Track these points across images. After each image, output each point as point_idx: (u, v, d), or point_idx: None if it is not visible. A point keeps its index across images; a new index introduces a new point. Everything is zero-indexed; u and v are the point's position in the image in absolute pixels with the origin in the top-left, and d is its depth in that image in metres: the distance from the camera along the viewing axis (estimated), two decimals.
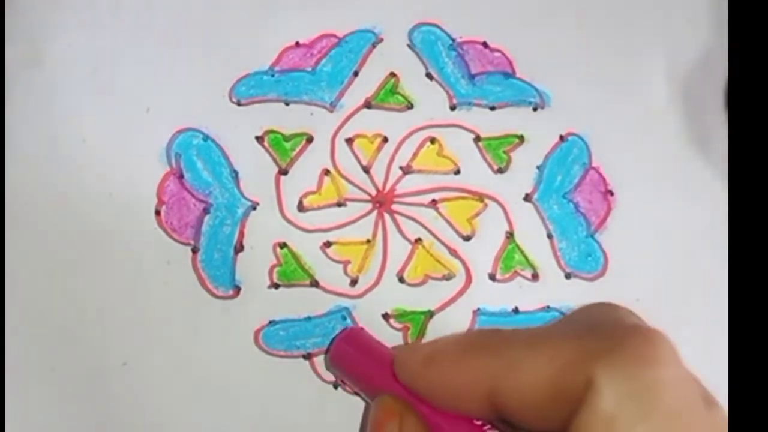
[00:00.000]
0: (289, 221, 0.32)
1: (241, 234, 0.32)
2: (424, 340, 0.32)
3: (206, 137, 0.32)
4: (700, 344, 0.33)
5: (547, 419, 0.21)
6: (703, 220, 0.33)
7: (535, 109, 0.34)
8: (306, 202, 0.32)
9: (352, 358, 0.28)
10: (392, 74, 0.34)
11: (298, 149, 0.33)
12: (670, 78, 0.34)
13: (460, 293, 0.32)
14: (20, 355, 0.31)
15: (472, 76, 0.34)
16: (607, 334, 0.21)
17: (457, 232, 0.33)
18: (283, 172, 0.33)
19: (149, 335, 0.31)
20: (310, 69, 0.33)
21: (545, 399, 0.21)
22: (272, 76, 0.33)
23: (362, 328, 0.31)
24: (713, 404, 0.22)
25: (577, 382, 0.20)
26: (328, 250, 0.32)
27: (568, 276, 0.33)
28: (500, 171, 0.33)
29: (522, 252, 0.33)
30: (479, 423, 0.24)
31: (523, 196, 0.33)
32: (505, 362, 0.22)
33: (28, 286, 0.31)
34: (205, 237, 0.32)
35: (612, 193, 0.34)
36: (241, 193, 0.32)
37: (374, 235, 0.33)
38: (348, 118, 0.33)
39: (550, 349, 0.22)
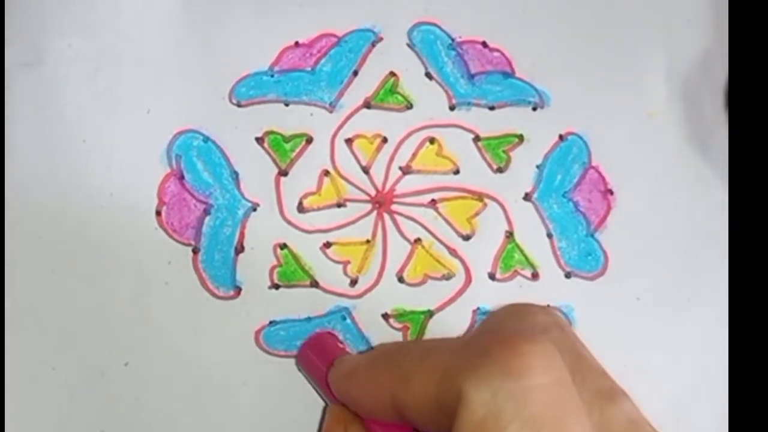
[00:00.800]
0: (289, 222, 0.32)
1: (242, 235, 0.32)
2: (424, 340, 0.32)
3: (206, 138, 0.32)
4: (700, 344, 0.33)
5: (437, 427, 0.22)
6: (703, 220, 0.33)
7: (534, 109, 0.34)
8: (306, 202, 0.33)
9: (311, 364, 0.30)
10: (392, 74, 0.34)
11: (297, 150, 0.33)
12: (670, 78, 0.34)
13: (460, 293, 0.32)
14: (20, 355, 0.31)
15: (471, 76, 0.34)
16: (477, 346, 0.22)
17: (456, 231, 0.33)
18: (283, 173, 0.33)
19: (150, 335, 0.31)
20: (309, 69, 0.33)
21: (431, 409, 0.22)
22: (272, 76, 0.33)
23: (330, 333, 0.32)
24: (612, 399, 0.23)
25: (452, 394, 0.21)
26: (328, 251, 0.32)
27: (567, 275, 0.33)
28: (500, 170, 0.33)
29: (522, 251, 0.33)
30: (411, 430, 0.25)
31: (522, 195, 0.33)
32: (400, 375, 0.24)
33: (28, 286, 0.31)
34: (205, 238, 0.32)
35: (612, 193, 0.34)
36: (242, 194, 0.32)
37: (374, 235, 0.33)
38: (347, 119, 0.33)
39: (432, 362, 0.23)
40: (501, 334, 0.22)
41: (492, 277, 0.33)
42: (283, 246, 0.32)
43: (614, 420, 0.25)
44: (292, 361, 0.31)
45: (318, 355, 0.30)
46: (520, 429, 0.20)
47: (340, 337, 0.32)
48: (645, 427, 0.25)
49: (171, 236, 0.32)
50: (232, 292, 0.32)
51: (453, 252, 0.33)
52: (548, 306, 0.32)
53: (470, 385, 0.21)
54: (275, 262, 0.32)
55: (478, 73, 0.34)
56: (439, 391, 0.22)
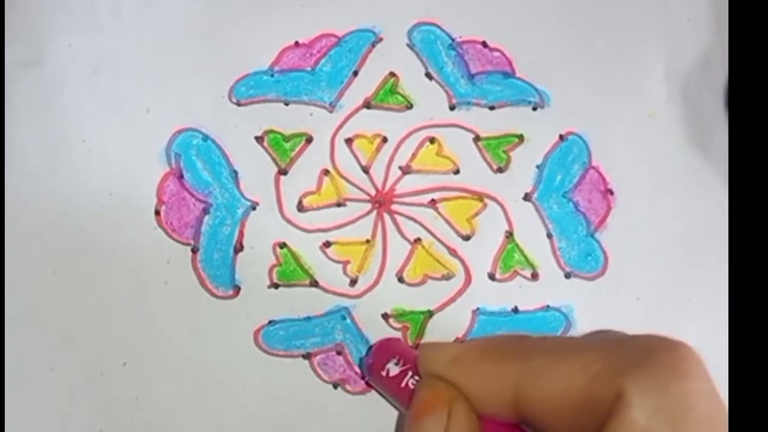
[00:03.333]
0: (288, 221, 0.32)
1: (241, 234, 0.32)
2: (424, 340, 0.32)
3: (206, 137, 0.32)
4: (700, 343, 0.33)
5: (573, 428, 0.21)
6: (703, 220, 0.33)
7: (534, 109, 0.34)
8: (305, 202, 0.32)
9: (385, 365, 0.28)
10: (392, 74, 0.34)
11: (297, 149, 0.33)
12: (670, 78, 0.34)
13: (460, 293, 0.32)
14: (20, 355, 0.31)
15: (471, 76, 0.34)
16: (637, 347, 0.22)
17: (456, 231, 0.33)
18: (283, 172, 0.33)
19: (149, 335, 0.31)
20: (309, 69, 0.33)
21: (573, 409, 0.21)
22: (272, 76, 0.33)
23: (398, 338, 0.31)
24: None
25: (608, 394, 0.20)
26: (327, 250, 0.32)
27: (567, 275, 0.33)
28: (500, 170, 0.33)
29: (521, 251, 0.33)
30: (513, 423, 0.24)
31: (522, 195, 0.33)
32: (531, 369, 0.23)
33: (28, 286, 0.31)
34: (204, 237, 0.32)
35: (612, 193, 0.34)
36: (241, 193, 0.32)
37: (374, 235, 0.33)
38: (347, 118, 0.33)
39: (580, 358, 0.22)
40: (657, 337, 0.22)
41: (492, 277, 0.33)
42: (283, 245, 0.32)
43: None
44: (292, 360, 0.31)
45: (392, 353, 0.28)
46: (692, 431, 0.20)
47: (341, 337, 0.32)
48: None
49: (170, 235, 0.32)
50: (231, 292, 0.32)
51: (453, 252, 0.33)
52: None
53: (632, 385, 0.20)
54: (275, 262, 0.32)
55: (479, 73, 0.34)
56: (588, 389, 0.21)
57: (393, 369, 0.28)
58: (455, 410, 0.24)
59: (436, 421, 0.24)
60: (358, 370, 0.32)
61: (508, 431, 0.24)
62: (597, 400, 0.21)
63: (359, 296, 0.32)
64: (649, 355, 0.21)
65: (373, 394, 0.31)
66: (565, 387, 0.22)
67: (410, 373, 0.27)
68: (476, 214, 0.33)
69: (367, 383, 0.31)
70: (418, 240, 0.33)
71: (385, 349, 0.29)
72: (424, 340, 0.32)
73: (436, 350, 0.26)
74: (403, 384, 0.27)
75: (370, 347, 0.31)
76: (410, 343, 0.32)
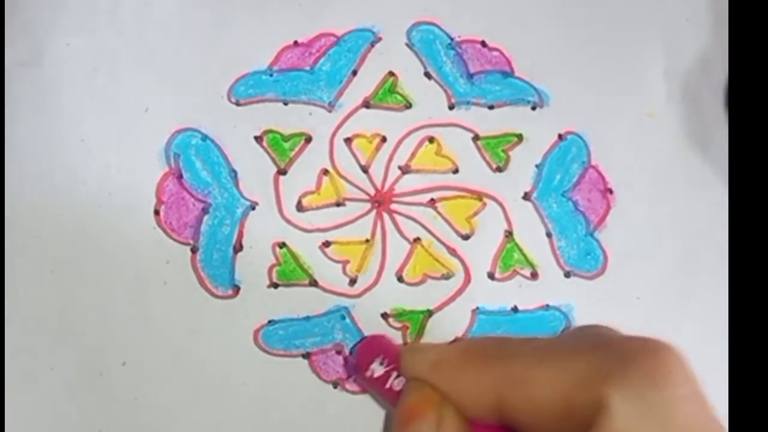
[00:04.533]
0: (288, 221, 0.32)
1: (240, 234, 0.32)
2: (423, 340, 0.32)
3: (205, 137, 0.32)
4: (700, 343, 0.33)
5: None
6: (703, 219, 0.33)
7: (533, 108, 0.34)
8: (305, 201, 0.32)
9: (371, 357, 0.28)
10: (391, 73, 0.34)
11: (296, 149, 0.33)
12: (669, 77, 0.34)
13: (459, 292, 0.32)
14: (20, 355, 0.31)
15: (470, 75, 0.34)
16: (618, 352, 0.21)
17: (455, 231, 0.33)
18: (282, 171, 0.33)
19: (148, 335, 0.31)
20: (308, 68, 0.33)
21: (555, 416, 0.21)
22: (271, 75, 0.33)
23: (383, 336, 0.31)
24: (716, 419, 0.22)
25: (589, 401, 0.20)
26: (327, 250, 0.32)
27: (567, 275, 0.33)
28: (499, 170, 0.33)
29: (521, 251, 0.33)
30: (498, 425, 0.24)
31: (522, 194, 0.33)
32: (512, 374, 0.22)
33: (28, 286, 0.31)
34: (204, 237, 0.32)
35: (611, 192, 0.33)
36: (240, 193, 0.32)
37: (373, 234, 0.33)
38: (347, 118, 0.33)
39: (560, 364, 0.21)
40: (638, 340, 0.22)
41: (491, 276, 0.33)
42: (282, 245, 0.32)
43: None
44: (291, 360, 0.31)
45: (377, 351, 0.28)
46: None
47: (340, 337, 0.32)
48: None
49: (169, 235, 0.32)
50: (230, 292, 0.32)
51: (452, 251, 0.33)
52: None
53: (614, 393, 0.20)
54: (274, 261, 0.32)
55: (478, 72, 0.34)
56: (570, 396, 0.21)
57: (377, 369, 0.27)
58: (445, 414, 0.24)
59: (426, 425, 0.24)
60: None
61: None
62: (579, 408, 0.20)
63: (359, 296, 0.32)
64: (631, 360, 0.21)
65: (372, 394, 0.31)
66: (546, 394, 0.21)
67: (395, 374, 0.27)
68: (475, 214, 0.33)
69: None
70: (417, 239, 0.33)
71: (369, 349, 0.28)
72: (423, 340, 0.32)
73: (417, 353, 0.25)
74: (387, 385, 0.27)
75: (354, 345, 0.31)
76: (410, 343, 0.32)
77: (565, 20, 0.35)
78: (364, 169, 0.33)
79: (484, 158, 0.33)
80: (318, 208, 0.33)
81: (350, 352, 0.31)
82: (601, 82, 0.34)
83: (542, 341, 0.24)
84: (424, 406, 0.24)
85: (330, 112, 0.33)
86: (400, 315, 0.32)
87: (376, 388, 0.27)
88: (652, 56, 0.34)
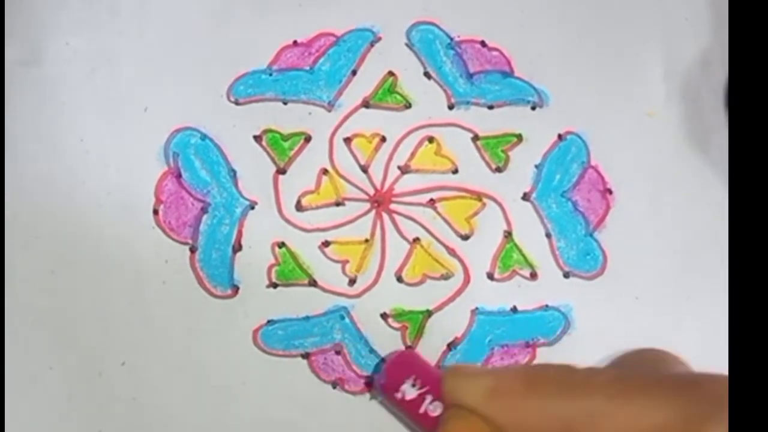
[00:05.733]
0: (287, 221, 0.32)
1: (240, 233, 0.32)
2: (423, 340, 0.32)
3: (204, 136, 0.32)
4: (700, 343, 0.33)
5: None
6: (702, 220, 0.33)
7: (533, 108, 0.34)
8: (304, 201, 0.32)
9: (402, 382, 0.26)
10: (390, 73, 0.33)
11: (296, 149, 0.33)
12: (668, 77, 0.34)
13: (459, 292, 0.32)
14: (20, 355, 0.31)
15: (470, 75, 0.34)
16: (708, 396, 0.21)
17: (455, 231, 0.33)
18: (282, 171, 0.33)
19: (147, 335, 0.31)
20: (308, 68, 0.33)
21: None
22: (270, 75, 0.33)
23: (415, 353, 0.30)
24: None
25: None
26: (326, 250, 0.32)
27: (566, 275, 0.33)
28: (498, 170, 0.33)
29: (520, 251, 0.33)
30: None
31: (521, 195, 0.33)
32: (588, 410, 0.21)
33: (27, 286, 0.31)
34: (203, 236, 0.32)
35: (611, 192, 0.33)
36: (240, 193, 0.32)
37: (372, 234, 0.33)
38: (346, 118, 0.33)
39: (644, 403, 0.21)
40: (723, 379, 0.21)
41: (491, 276, 0.33)
42: (282, 245, 0.32)
43: None
44: (291, 360, 0.31)
45: (409, 370, 0.26)
46: None
47: (340, 336, 0.32)
48: None
49: (168, 235, 0.32)
50: (229, 291, 0.32)
51: (452, 252, 0.33)
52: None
53: None
54: (273, 261, 0.32)
55: (477, 72, 0.34)
56: None
57: (409, 391, 0.26)
58: None
59: None
60: (356, 369, 0.32)
61: None
62: None
63: (358, 296, 0.32)
64: (724, 406, 0.20)
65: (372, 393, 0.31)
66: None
67: (429, 398, 0.25)
68: (475, 214, 0.33)
69: (366, 383, 0.31)
70: (416, 239, 0.33)
71: (400, 368, 0.26)
72: (423, 341, 0.32)
73: (468, 380, 0.24)
74: (421, 410, 0.25)
75: (381, 361, 0.31)
76: (409, 343, 0.32)
77: (564, 20, 0.34)
78: (364, 169, 0.33)
79: (483, 158, 0.33)
80: (317, 207, 0.32)
81: (376, 370, 0.31)
82: (600, 82, 0.34)
83: (610, 373, 0.23)
84: None
85: (329, 111, 0.33)
86: (399, 315, 0.32)
87: (406, 411, 0.26)
88: (651, 56, 0.34)
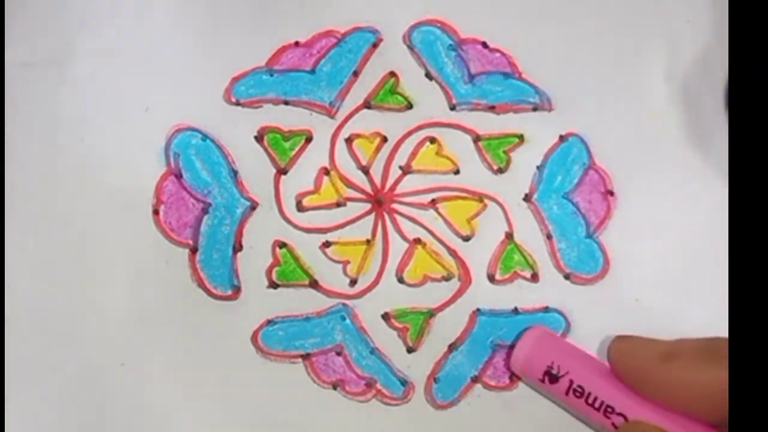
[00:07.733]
0: (288, 221, 0.32)
1: (240, 234, 0.32)
2: (424, 340, 0.32)
3: (205, 137, 0.32)
4: None
5: None
6: (703, 220, 0.33)
7: (534, 110, 0.34)
8: (305, 201, 0.32)
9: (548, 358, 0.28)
10: (392, 74, 0.34)
11: (297, 149, 0.33)
12: (669, 78, 0.34)
13: (460, 293, 0.32)
14: (20, 355, 0.31)
15: (471, 77, 0.34)
16: None
17: (456, 232, 0.33)
18: (282, 171, 0.33)
19: (147, 335, 0.31)
20: (309, 69, 0.33)
21: None
22: (271, 75, 0.33)
23: (550, 334, 0.31)
24: None
25: None
26: (327, 250, 0.32)
27: (567, 276, 0.33)
28: (500, 171, 0.33)
29: (521, 252, 0.33)
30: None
31: (522, 196, 0.33)
32: None
33: (27, 286, 0.31)
34: (203, 237, 0.32)
35: (612, 194, 0.33)
36: (240, 193, 0.32)
37: (373, 235, 0.33)
38: (347, 118, 0.33)
39: None
40: None
41: (491, 278, 0.33)
42: (282, 245, 0.32)
43: None
44: (291, 361, 0.31)
45: (547, 356, 0.28)
46: None
47: (341, 337, 0.32)
48: None
49: (168, 235, 0.32)
50: (230, 292, 0.32)
51: (453, 253, 0.33)
52: None
53: None
54: (274, 262, 0.32)
55: (479, 73, 0.34)
56: None
57: (550, 378, 0.28)
58: None
59: None
60: (357, 370, 0.31)
61: None
62: None
63: (359, 296, 0.32)
64: None
65: (372, 394, 0.31)
66: None
67: (572, 382, 0.27)
68: (476, 215, 0.33)
69: (367, 385, 0.31)
70: (418, 240, 0.33)
71: (538, 353, 0.28)
72: (424, 341, 0.32)
73: (642, 342, 0.25)
74: (567, 395, 0.27)
75: (518, 338, 0.30)
76: (410, 344, 0.32)
77: (566, 22, 0.34)
78: (365, 170, 0.33)
79: (484, 159, 0.33)
80: (318, 208, 0.32)
81: (511, 348, 0.30)
82: (602, 83, 0.34)
83: None
84: None
85: (331, 112, 0.33)
86: (400, 316, 0.32)
87: (552, 394, 0.28)
88: (652, 58, 0.34)
